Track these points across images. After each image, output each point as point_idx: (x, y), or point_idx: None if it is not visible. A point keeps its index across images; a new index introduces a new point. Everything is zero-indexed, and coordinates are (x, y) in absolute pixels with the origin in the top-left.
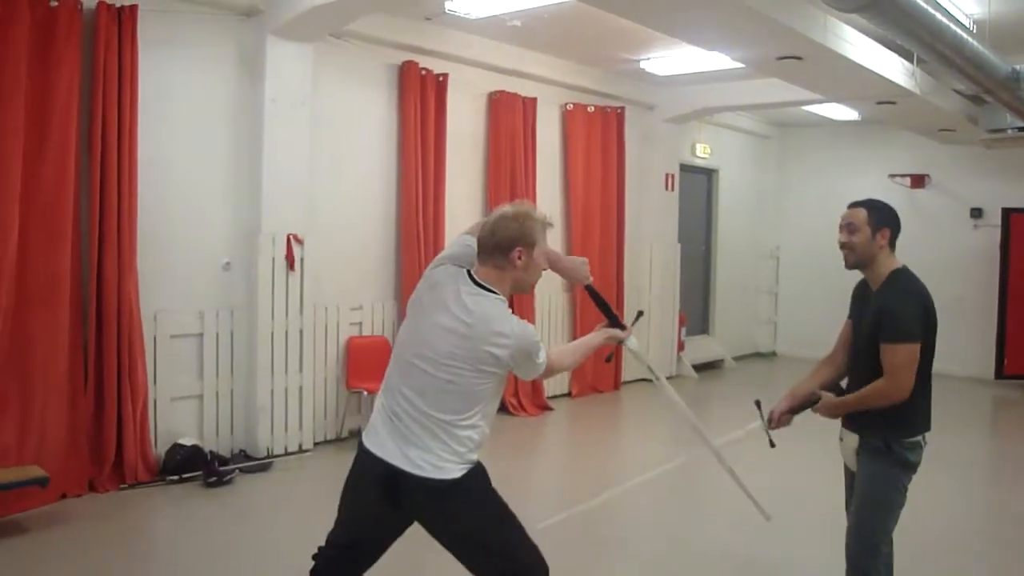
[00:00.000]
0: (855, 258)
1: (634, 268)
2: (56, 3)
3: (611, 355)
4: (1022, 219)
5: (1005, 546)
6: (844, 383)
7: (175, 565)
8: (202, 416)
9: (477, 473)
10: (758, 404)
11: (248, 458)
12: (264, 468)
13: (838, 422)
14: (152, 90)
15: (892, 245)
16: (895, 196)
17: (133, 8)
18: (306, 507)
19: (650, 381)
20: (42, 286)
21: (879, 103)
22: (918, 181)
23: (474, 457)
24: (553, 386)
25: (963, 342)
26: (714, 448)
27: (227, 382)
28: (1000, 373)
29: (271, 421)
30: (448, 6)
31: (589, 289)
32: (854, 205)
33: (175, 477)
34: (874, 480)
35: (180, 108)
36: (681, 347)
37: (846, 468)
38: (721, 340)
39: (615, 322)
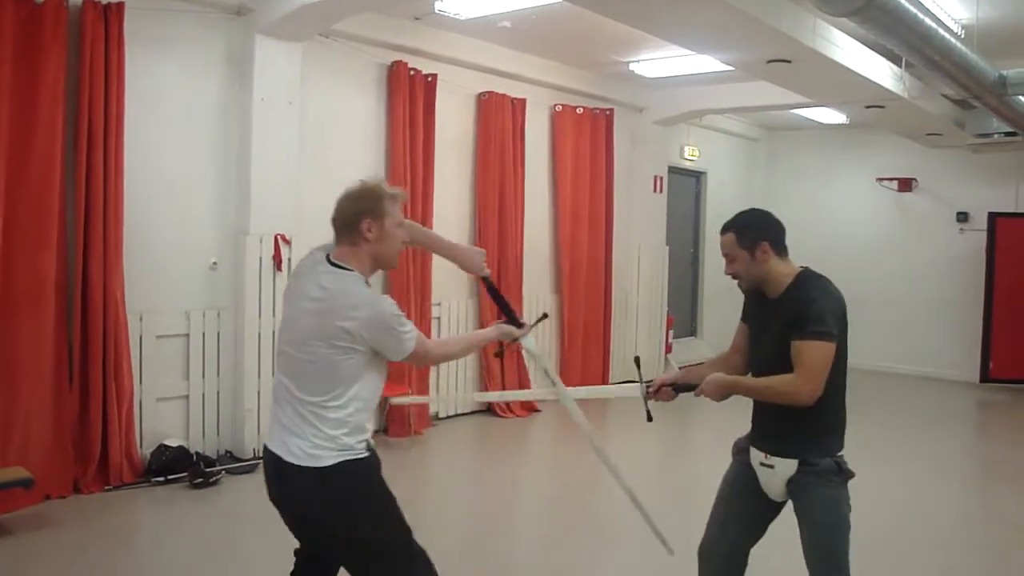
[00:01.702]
0: (746, 284)
1: (622, 270)
2: (41, 1)
3: (500, 350)
4: (1008, 223)
5: (989, 548)
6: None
7: (161, 566)
8: (188, 417)
9: (361, 464)
10: (637, 361)
11: (234, 459)
12: (250, 469)
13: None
14: (139, 89)
15: (781, 252)
16: (882, 199)
17: (120, 6)
18: None
19: (636, 382)
20: (26, 286)
21: (867, 107)
22: (905, 185)
23: (354, 444)
24: (541, 383)
25: (948, 345)
26: (614, 470)
27: (213, 383)
28: (985, 376)
29: (257, 422)
30: (437, 6)
31: (486, 281)
32: (723, 231)
33: (161, 478)
34: (831, 507)
35: (167, 107)
36: (669, 349)
37: (732, 492)
38: (708, 343)
39: (513, 319)
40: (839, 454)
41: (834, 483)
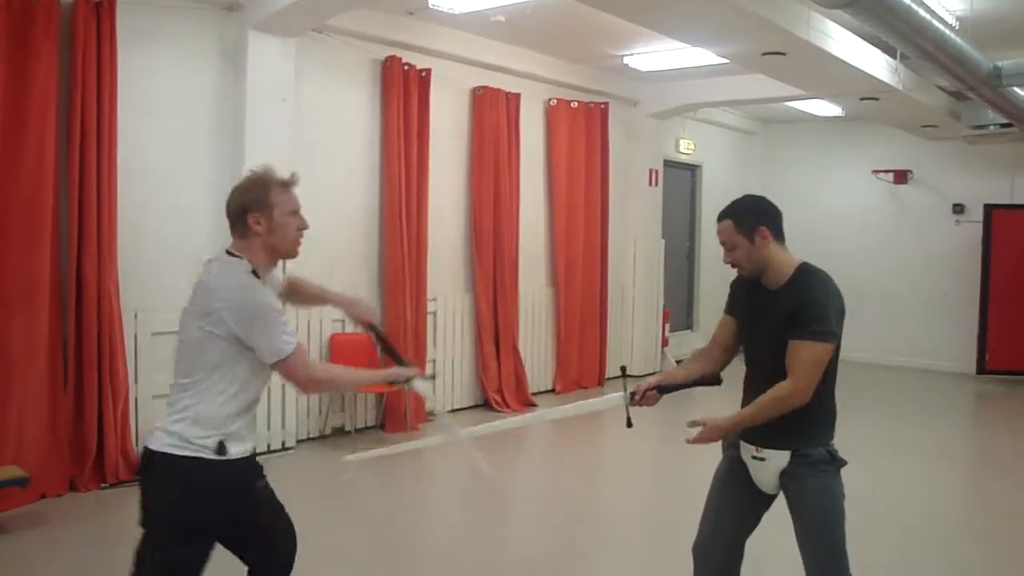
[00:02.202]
0: (747, 273)
1: (618, 264)
2: None
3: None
4: (1004, 215)
5: (985, 539)
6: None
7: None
8: None
9: (210, 467)
10: (623, 371)
11: None
12: None
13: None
14: (132, 85)
15: (779, 237)
16: (878, 192)
17: (112, 2)
18: (289, 504)
19: (634, 376)
20: (21, 284)
21: (862, 99)
22: (901, 177)
23: (205, 444)
24: (537, 382)
25: (945, 337)
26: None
27: None
28: (982, 368)
29: (253, 418)
30: (431, 1)
31: (375, 330)
32: (720, 218)
33: None
34: (827, 497)
35: (161, 103)
36: (665, 343)
37: (724, 487)
38: (705, 336)
39: (399, 361)
40: (831, 443)
41: (827, 472)
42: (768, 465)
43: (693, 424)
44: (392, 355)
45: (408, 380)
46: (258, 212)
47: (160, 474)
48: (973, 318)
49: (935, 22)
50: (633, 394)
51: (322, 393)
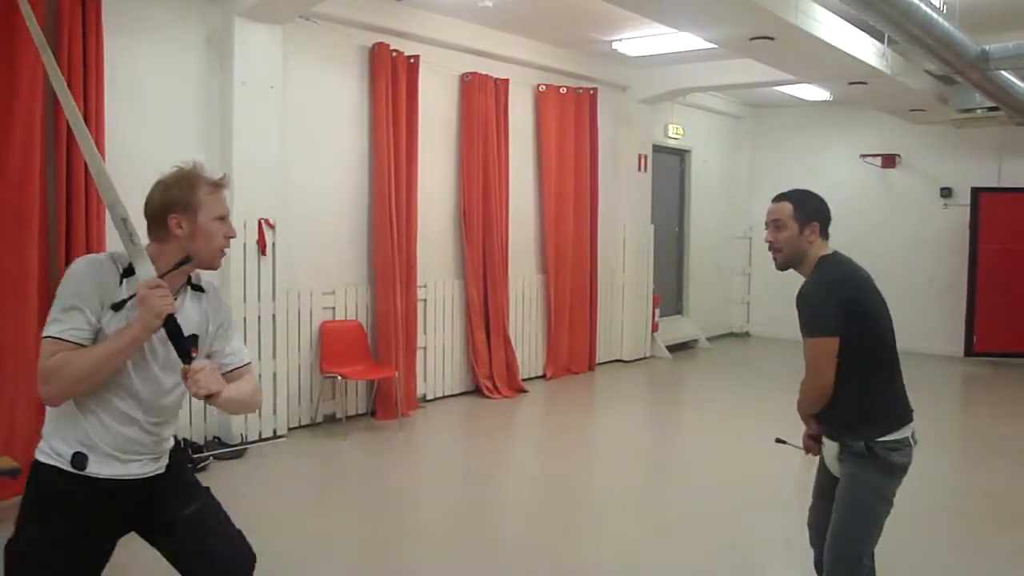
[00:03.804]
0: (783, 258)
1: (607, 249)
2: None
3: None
4: (991, 198)
5: (972, 520)
6: None
7: (150, 553)
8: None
9: (53, 475)
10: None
11: (222, 445)
12: (238, 455)
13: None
14: (118, 75)
15: (824, 238)
16: (866, 176)
17: None
18: (281, 493)
19: (624, 361)
20: (9, 277)
21: (851, 83)
22: (889, 161)
23: (61, 451)
24: (527, 368)
25: (933, 320)
26: None
27: None
28: (970, 350)
29: None
30: None
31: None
32: (779, 198)
33: None
34: (854, 486)
35: (147, 93)
36: (655, 328)
37: (820, 476)
38: (695, 321)
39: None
40: (880, 439)
41: (868, 467)
42: (827, 452)
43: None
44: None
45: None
46: (180, 213)
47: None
48: (961, 301)
49: (922, 6)
50: (806, 448)
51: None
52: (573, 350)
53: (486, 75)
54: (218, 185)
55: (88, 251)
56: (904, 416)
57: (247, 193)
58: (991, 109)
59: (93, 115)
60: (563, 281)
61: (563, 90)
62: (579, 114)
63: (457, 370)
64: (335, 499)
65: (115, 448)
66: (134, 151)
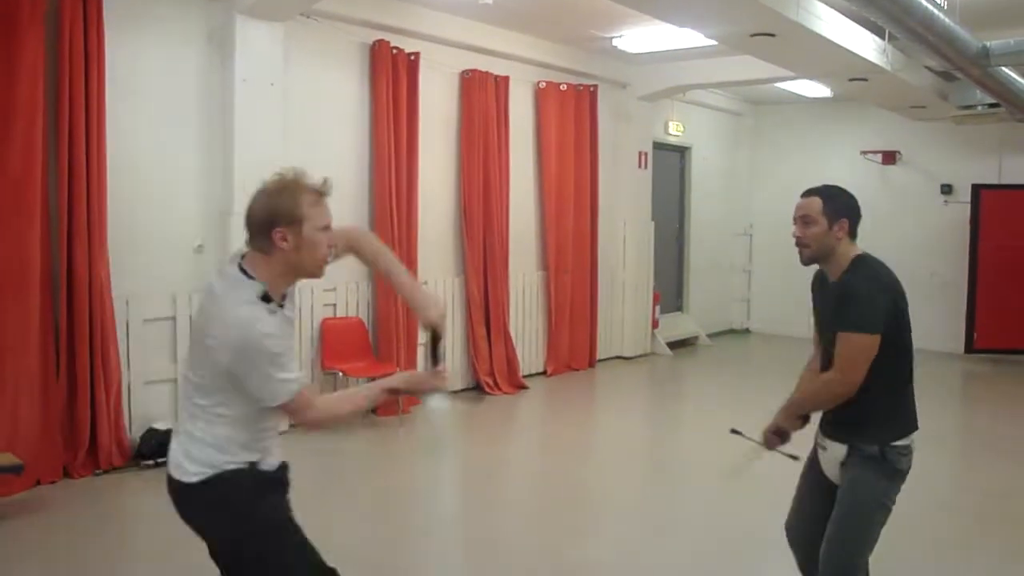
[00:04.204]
0: (811, 253)
1: (608, 247)
2: None
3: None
4: (991, 195)
5: (971, 519)
6: None
7: (151, 550)
8: (177, 400)
9: (231, 483)
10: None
11: None
12: None
13: (811, 428)
14: (120, 72)
15: (852, 236)
16: (867, 172)
17: None
18: None
19: (625, 358)
20: (11, 272)
21: (851, 80)
22: (889, 158)
23: (221, 461)
24: (528, 365)
25: (934, 317)
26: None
27: None
28: (970, 347)
29: None
30: None
31: (434, 334)
32: (808, 193)
33: (150, 462)
34: (858, 490)
35: (149, 90)
36: (655, 325)
37: (809, 470)
38: (695, 318)
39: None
40: (894, 443)
41: (876, 471)
42: (829, 455)
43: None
44: (435, 359)
45: (426, 392)
46: (285, 226)
47: (206, 506)
48: (961, 298)
49: (923, 2)
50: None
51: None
52: (574, 347)
53: (486, 72)
54: (321, 193)
55: (90, 249)
56: (913, 423)
57: (248, 189)
58: (991, 106)
59: (94, 112)
60: (563, 278)
61: (563, 87)
62: (579, 111)
63: (458, 367)
64: (335, 496)
65: (271, 450)
66: (136, 147)
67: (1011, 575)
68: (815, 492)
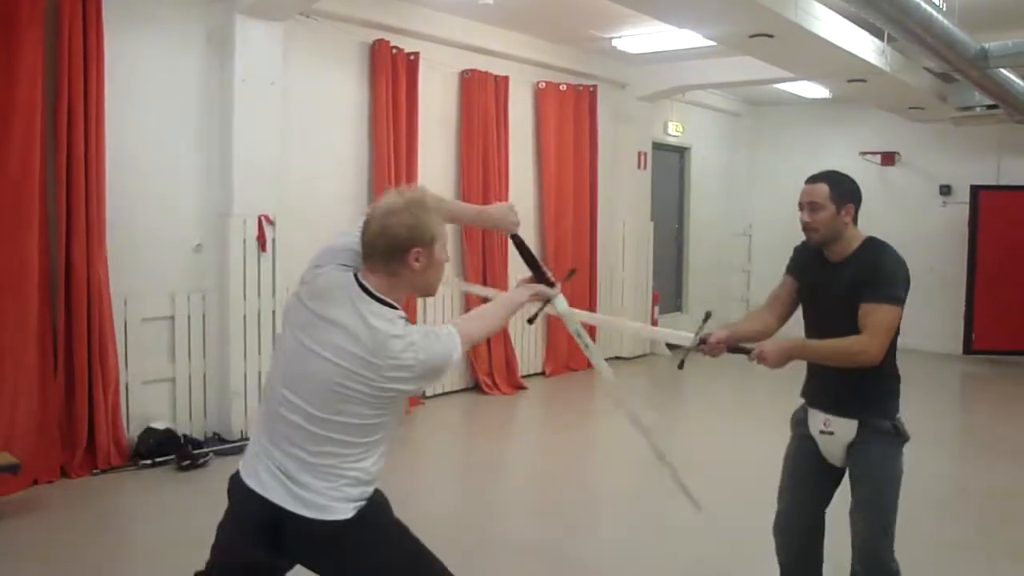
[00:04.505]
0: (819, 237)
1: (607, 247)
2: None
3: (535, 316)
4: (990, 196)
5: (970, 520)
6: None
7: (149, 549)
8: (175, 399)
9: (373, 507)
10: (707, 316)
11: (222, 441)
12: (238, 451)
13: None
14: (119, 72)
15: (855, 221)
16: (865, 173)
17: None
18: None
19: (624, 358)
20: (9, 272)
21: (850, 81)
22: (888, 159)
23: (370, 491)
24: (526, 365)
25: (932, 318)
26: (645, 429)
27: (200, 365)
28: (968, 348)
29: (244, 403)
30: None
31: (515, 239)
32: (813, 179)
33: (148, 461)
34: (888, 464)
35: (148, 89)
36: (655, 324)
37: (797, 465)
38: (694, 318)
39: (542, 277)
40: (897, 416)
41: (892, 443)
42: (836, 438)
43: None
44: (535, 270)
45: (548, 300)
46: (421, 247)
47: (360, 539)
48: (960, 299)
49: (922, 3)
50: (703, 340)
51: None
52: (572, 347)
53: (486, 72)
54: (441, 211)
55: (88, 248)
56: (899, 393)
57: (247, 190)
58: (990, 107)
59: (93, 112)
60: (562, 278)
61: (563, 87)
62: (579, 111)
63: (457, 367)
64: None
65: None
66: (135, 147)
67: None
68: (808, 483)
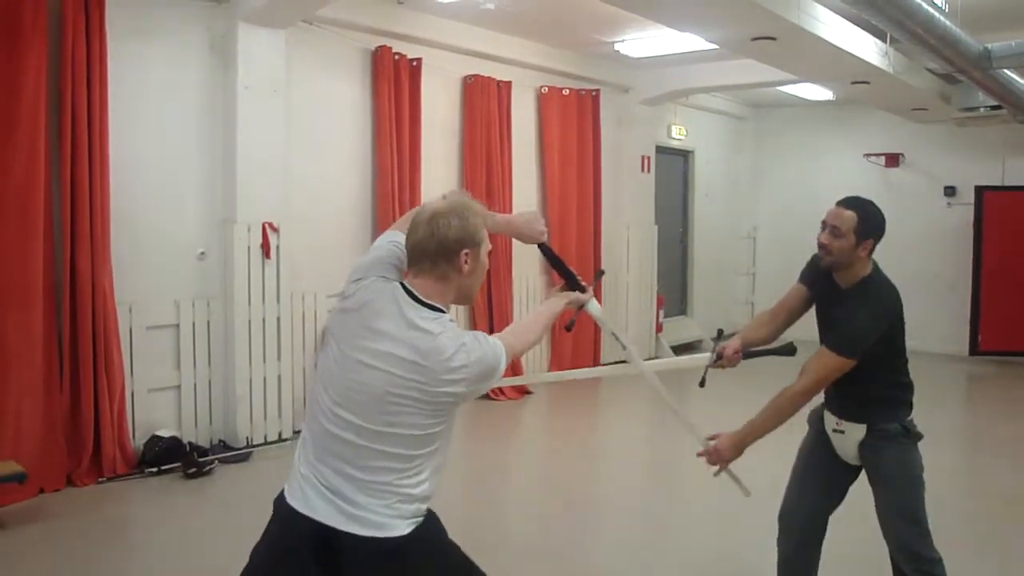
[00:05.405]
0: (831, 261)
1: (611, 251)
2: None
3: (572, 322)
4: (995, 197)
5: (976, 521)
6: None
7: (155, 557)
8: (180, 407)
9: (429, 524)
10: (720, 334)
11: (227, 448)
12: (244, 458)
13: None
14: (122, 80)
15: (872, 254)
16: (869, 175)
17: None
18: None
19: (628, 361)
20: (15, 280)
21: (853, 83)
22: (892, 160)
23: (425, 508)
24: (532, 369)
25: (938, 319)
26: (687, 422)
27: (205, 372)
28: (975, 349)
29: (250, 410)
30: None
31: (543, 248)
32: (845, 204)
33: (154, 469)
34: (906, 464)
35: (151, 97)
36: (659, 328)
37: (809, 459)
38: (699, 321)
39: (574, 283)
40: (908, 419)
41: (904, 444)
42: (847, 437)
43: (711, 438)
44: (565, 276)
45: (583, 305)
46: (470, 249)
47: (415, 557)
48: (966, 300)
49: (924, 4)
50: (719, 355)
51: None
52: (577, 351)
53: (489, 77)
54: (487, 215)
55: (93, 256)
56: (911, 405)
57: (251, 197)
58: (994, 108)
59: (97, 120)
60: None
61: (566, 92)
62: (582, 116)
63: None
64: None
65: None
66: (138, 155)
67: None
68: (819, 479)
